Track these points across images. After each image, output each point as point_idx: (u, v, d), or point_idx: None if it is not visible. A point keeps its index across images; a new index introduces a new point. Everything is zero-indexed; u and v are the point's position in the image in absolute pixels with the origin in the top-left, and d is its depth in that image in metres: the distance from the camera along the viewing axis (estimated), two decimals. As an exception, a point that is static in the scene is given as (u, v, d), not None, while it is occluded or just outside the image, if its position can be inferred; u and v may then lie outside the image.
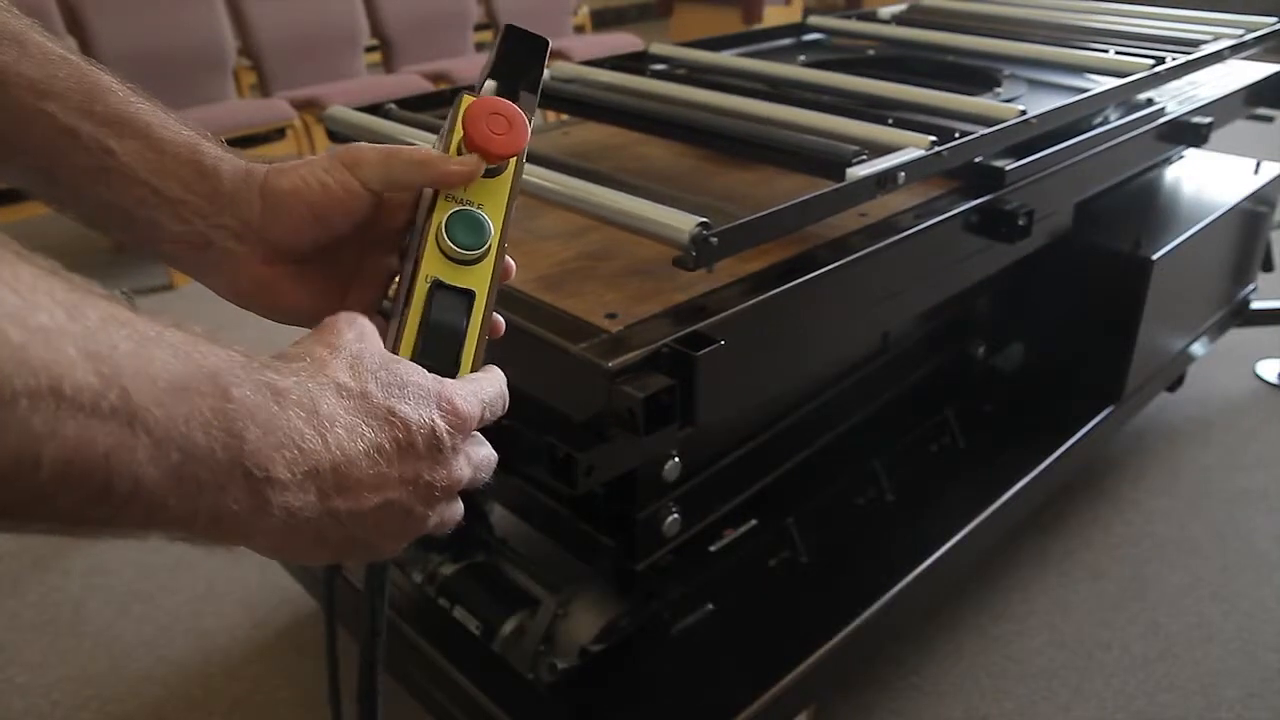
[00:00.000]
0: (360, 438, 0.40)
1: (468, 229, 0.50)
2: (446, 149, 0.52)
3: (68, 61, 0.49)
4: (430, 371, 0.45)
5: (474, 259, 0.50)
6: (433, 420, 0.42)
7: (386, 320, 0.50)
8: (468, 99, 0.51)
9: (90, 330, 0.31)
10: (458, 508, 0.46)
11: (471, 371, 0.49)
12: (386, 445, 0.40)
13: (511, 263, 0.55)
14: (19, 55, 0.48)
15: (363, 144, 0.51)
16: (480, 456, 0.46)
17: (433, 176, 0.50)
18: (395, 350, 0.48)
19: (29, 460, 0.29)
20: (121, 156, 0.49)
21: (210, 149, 0.51)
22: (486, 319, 0.50)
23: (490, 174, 0.52)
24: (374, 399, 0.41)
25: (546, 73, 0.64)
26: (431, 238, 0.50)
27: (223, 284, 0.53)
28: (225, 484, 0.35)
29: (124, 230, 0.51)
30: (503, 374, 0.49)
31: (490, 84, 0.54)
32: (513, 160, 0.52)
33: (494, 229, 0.51)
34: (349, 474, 0.39)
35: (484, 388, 0.47)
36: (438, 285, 0.49)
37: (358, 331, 0.44)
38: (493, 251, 0.51)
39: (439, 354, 0.48)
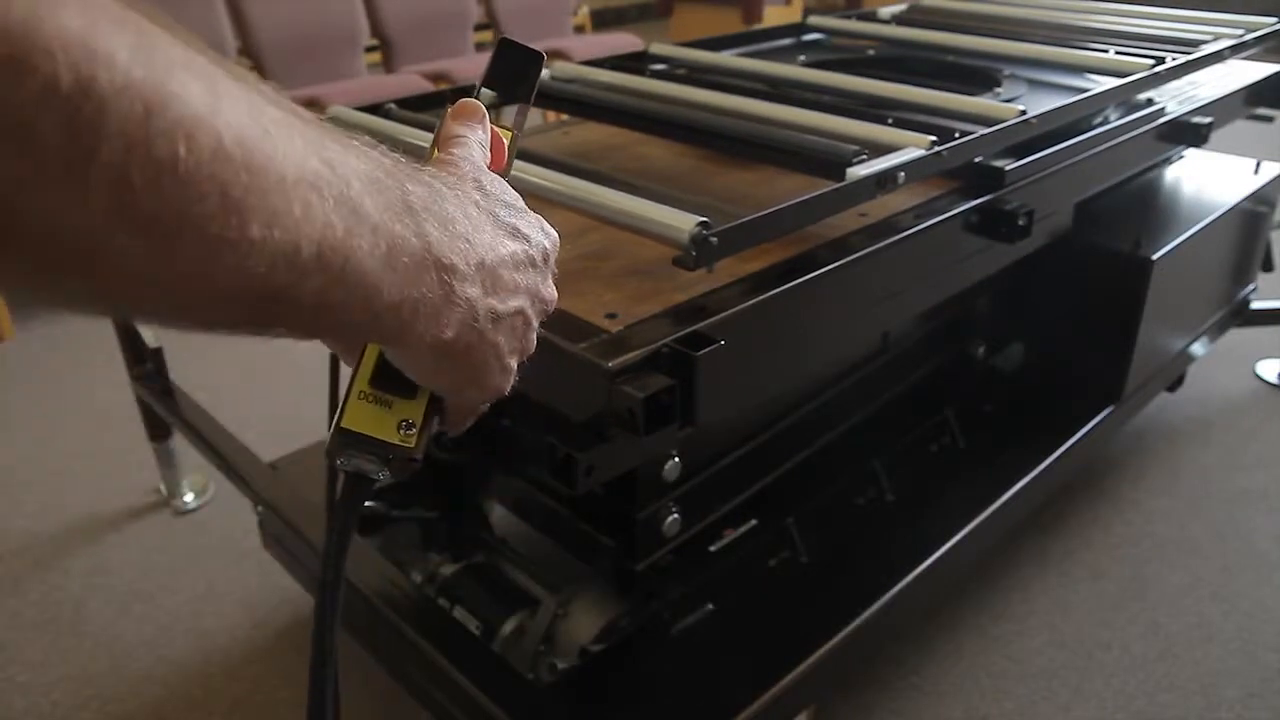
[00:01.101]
0: (502, 244, 0.43)
1: None
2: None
3: None
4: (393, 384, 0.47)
5: None
6: (544, 241, 0.47)
7: None
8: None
9: (308, 134, 0.34)
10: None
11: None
12: (520, 254, 0.44)
13: None
14: None
15: None
16: None
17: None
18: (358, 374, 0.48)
19: (291, 248, 0.32)
20: None
21: None
22: None
23: None
24: (501, 217, 0.44)
25: (546, 72, 0.64)
26: None
27: None
28: (421, 272, 0.38)
29: None
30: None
31: (486, 94, 0.54)
32: None
33: None
34: (499, 273, 0.42)
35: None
36: None
37: (473, 163, 0.46)
38: None
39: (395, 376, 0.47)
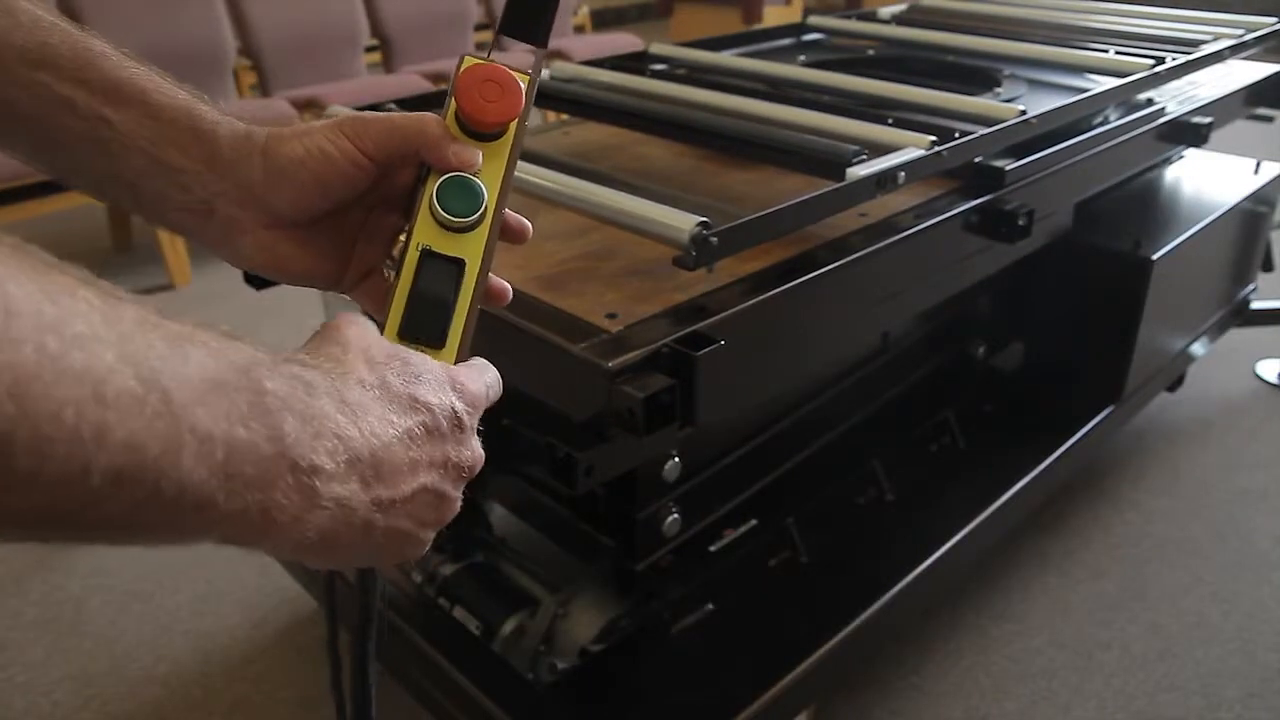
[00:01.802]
0: (391, 425, 0.40)
1: (460, 196, 0.49)
2: (445, 117, 0.51)
3: (58, 28, 0.48)
4: (417, 340, 0.46)
5: (467, 226, 0.49)
6: (452, 402, 0.43)
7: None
8: (468, 61, 0.51)
9: (126, 335, 0.31)
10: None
11: (461, 341, 0.49)
12: (416, 429, 0.41)
13: (526, 223, 0.54)
14: (9, 24, 0.47)
15: (366, 114, 0.51)
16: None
17: (432, 158, 0.50)
18: (385, 318, 0.48)
19: (78, 470, 0.29)
20: (118, 125, 0.48)
21: (207, 112, 0.50)
22: (479, 287, 0.49)
23: (488, 139, 0.51)
24: (394, 388, 0.41)
25: (546, 72, 0.64)
26: (425, 204, 0.49)
27: (228, 251, 0.52)
28: (273, 478, 0.35)
29: (131, 201, 0.51)
30: (493, 366, 0.50)
31: (501, 45, 0.54)
32: (512, 125, 0.52)
33: (489, 196, 0.50)
34: (386, 460, 0.39)
35: (484, 371, 0.48)
36: (427, 254, 0.49)
37: (359, 329, 0.44)
38: (488, 218, 0.50)
39: (426, 323, 0.48)
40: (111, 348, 0.30)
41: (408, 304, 0.48)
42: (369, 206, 0.54)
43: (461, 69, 0.50)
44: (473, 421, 0.45)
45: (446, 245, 0.49)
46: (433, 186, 0.49)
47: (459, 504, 0.45)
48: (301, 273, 0.53)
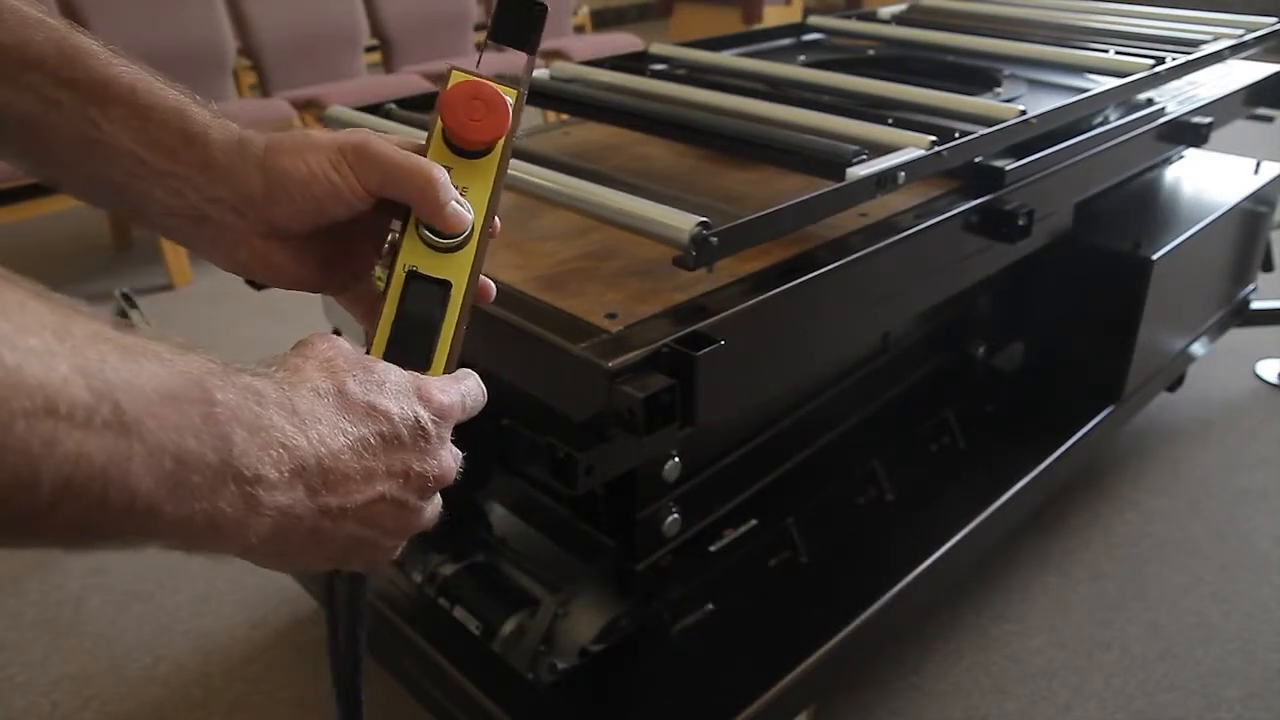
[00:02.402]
0: (342, 433, 0.40)
1: None
2: (431, 135, 0.51)
3: (45, 25, 0.47)
4: (404, 363, 0.45)
5: (453, 247, 0.49)
6: (415, 411, 0.43)
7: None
8: (455, 76, 0.50)
9: (79, 347, 0.31)
10: (437, 502, 0.46)
11: (448, 361, 0.49)
12: (370, 438, 0.41)
13: (490, 284, 0.53)
14: None
15: (369, 140, 0.49)
16: (454, 452, 0.46)
17: (425, 212, 0.49)
18: (371, 340, 0.48)
19: (28, 479, 0.30)
20: (105, 126, 0.48)
21: (198, 113, 0.49)
22: (465, 308, 0.49)
23: (475, 156, 0.51)
24: (352, 395, 0.41)
25: (545, 72, 0.64)
26: (412, 225, 0.49)
27: (220, 256, 0.52)
28: (218, 487, 0.35)
29: (118, 203, 0.50)
30: (476, 375, 0.49)
31: (490, 53, 0.54)
32: (499, 143, 0.51)
33: (475, 216, 0.50)
34: (334, 469, 0.39)
35: (462, 381, 0.47)
36: (413, 275, 0.49)
37: (330, 343, 0.44)
38: (475, 238, 0.50)
39: (412, 345, 0.48)
40: (65, 360, 0.31)
41: (394, 327, 0.48)
42: (363, 218, 0.53)
43: (449, 85, 0.50)
44: (441, 432, 0.44)
45: (433, 266, 0.49)
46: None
47: (427, 514, 0.45)
48: (293, 278, 0.53)
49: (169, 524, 0.34)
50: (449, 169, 0.50)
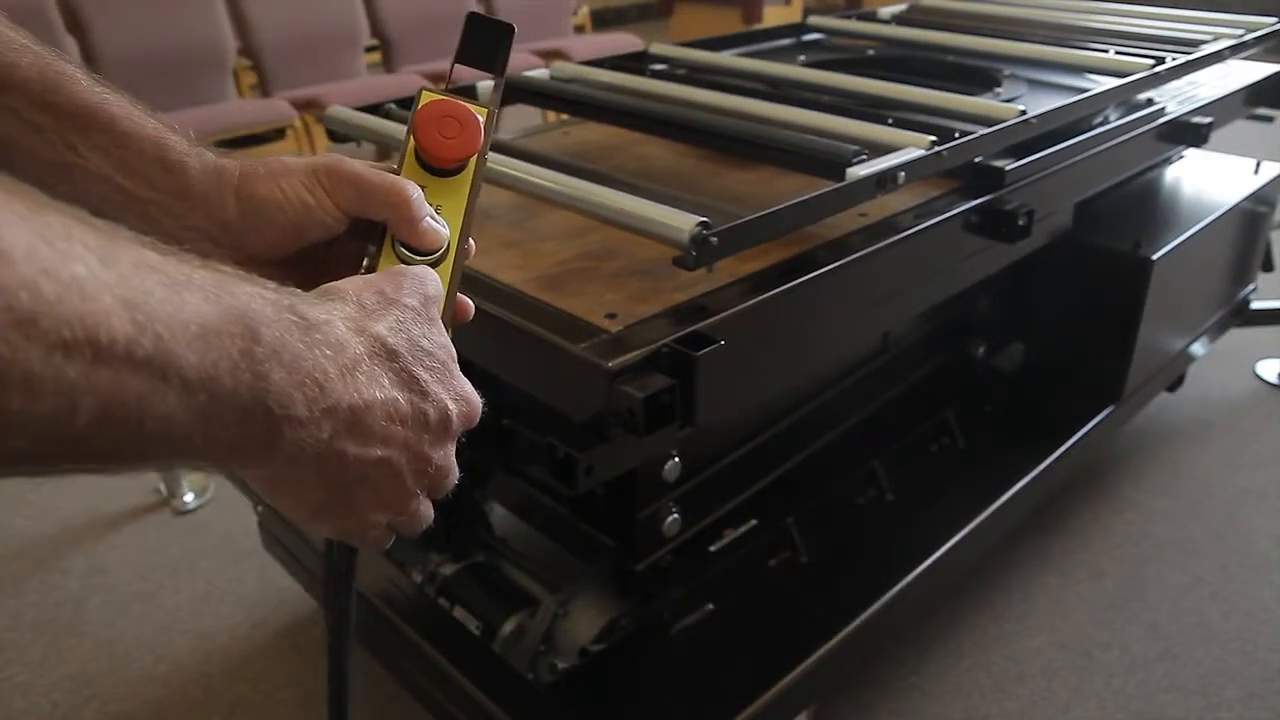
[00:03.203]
0: (380, 388, 0.40)
1: None
2: (404, 153, 0.51)
3: (29, 50, 0.48)
4: None
5: (429, 264, 0.49)
6: (448, 400, 0.43)
7: None
8: (426, 96, 0.50)
9: (124, 277, 0.31)
10: (429, 508, 0.47)
11: None
12: (403, 404, 0.41)
13: (469, 304, 0.53)
14: None
15: (342, 163, 0.50)
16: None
17: (400, 229, 0.49)
18: None
19: (66, 410, 0.30)
20: (84, 152, 0.48)
21: (176, 143, 0.50)
22: (444, 325, 0.49)
23: (448, 174, 0.51)
24: (403, 359, 0.42)
25: (545, 72, 0.64)
26: (388, 244, 0.49)
27: None
28: (246, 421, 0.36)
29: None
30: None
31: (459, 74, 0.54)
32: (471, 160, 0.52)
33: (450, 232, 0.50)
34: (363, 419, 0.40)
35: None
36: None
37: (421, 297, 0.44)
38: (451, 254, 0.50)
39: None
40: (109, 290, 0.31)
41: None
42: (336, 240, 0.53)
43: (420, 104, 0.50)
44: (458, 428, 0.45)
45: None
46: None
47: (415, 504, 0.45)
48: None
49: (197, 449, 0.35)
50: (423, 188, 0.50)
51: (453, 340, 0.47)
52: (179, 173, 0.49)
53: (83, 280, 0.30)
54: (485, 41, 0.53)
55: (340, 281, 0.43)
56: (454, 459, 0.45)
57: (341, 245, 0.53)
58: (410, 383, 0.42)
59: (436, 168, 0.51)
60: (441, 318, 0.49)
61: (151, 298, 0.32)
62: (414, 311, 0.44)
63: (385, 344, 0.41)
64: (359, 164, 0.50)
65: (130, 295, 0.31)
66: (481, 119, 0.51)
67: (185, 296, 0.34)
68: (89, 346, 0.30)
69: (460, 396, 0.44)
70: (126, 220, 0.49)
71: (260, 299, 0.37)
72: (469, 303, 0.53)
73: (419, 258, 0.49)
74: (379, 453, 0.41)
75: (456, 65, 0.54)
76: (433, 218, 0.50)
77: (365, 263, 0.51)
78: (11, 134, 0.47)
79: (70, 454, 0.32)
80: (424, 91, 0.51)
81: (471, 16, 0.54)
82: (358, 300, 0.42)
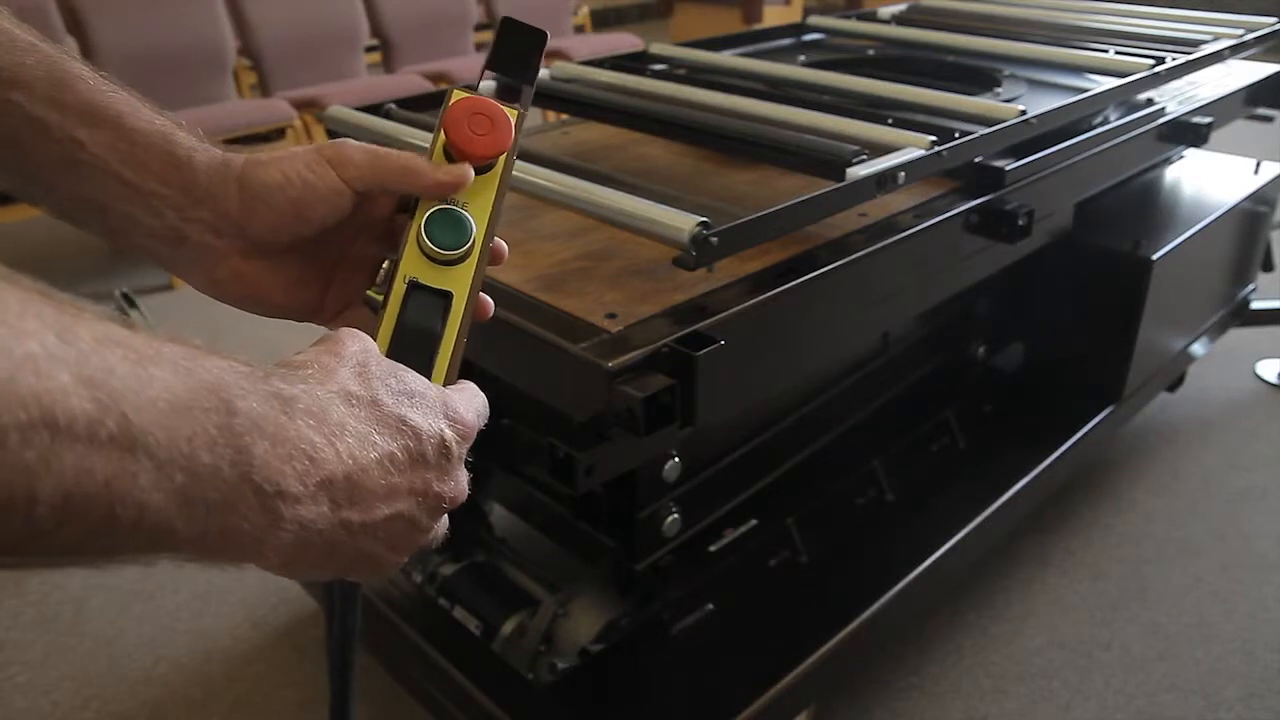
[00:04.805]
0: (372, 446, 0.39)
1: (448, 229, 0.49)
2: (433, 149, 0.51)
3: (35, 49, 0.47)
4: None
5: (454, 259, 0.49)
6: (442, 430, 0.42)
7: (372, 311, 0.50)
8: (457, 94, 0.50)
9: (84, 354, 0.29)
10: (445, 523, 0.46)
11: (447, 374, 0.48)
12: (398, 454, 0.40)
13: (504, 245, 0.53)
14: None
15: (348, 142, 0.50)
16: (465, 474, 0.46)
17: (419, 186, 0.49)
18: None
19: (23, 496, 0.28)
20: (91, 148, 0.48)
21: (184, 139, 0.50)
22: (466, 320, 0.49)
23: (477, 172, 0.51)
24: (385, 407, 0.40)
25: (546, 72, 0.64)
26: (413, 236, 0.49)
27: (199, 278, 0.52)
28: (235, 502, 0.34)
29: (98, 224, 0.50)
30: (475, 386, 0.49)
31: (488, 79, 0.53)
32: (501, 158, 0.51)
33: (477, 228, 0.50)
34: (362, 483, 0.38)
35: (474, 398, 0.47)
36: (414, 286, 0.48)
37: (361, 344, 0.43)
38: (476, 251, 0.50)
39: (413, 356, 0.47)
40: (67, 368, 0.29)
41: (394, 337, 0.48)
42: (347, 237, 0.53)
43: (451, 101, 0.50)
44: (461, 451, 0.43)
45: (434, 278, 0.49)
46: (421, 218, 0.49)
47: (434, 535, 0.44)
48: (277, 304, 0.52)
49: (183, 540, 0.33)
50: None
51: None
52: (186, 167, 0.49)
53: (38, 357, 0.28)
54: (518, 47, 0.53)
55: (290, 358, 0.41)
56: (463, 478, 0.44)
57: (355, 250, 0.53)
58: (400, 428, 0.40)
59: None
60: (463, 314, 0.49)
61: (114, 375, 0.30)
62: (363, 356, 0.42)
63: (362, 397, 0.39)
64: (364, 144, 0.50)
65: (91, 373, 0.29)
66: (512, 118, 0.51)
67: (152, 371, 0.31)
68: (45, 428, 0.28)
69: (453, 418, 0.43)
70: (135, 214, 0.49)
71: (233, 371, 0.35)
72: (489, 302, 0.53)
73: (444, 252, 0.48)
74: (386, 511, 0.40)
75: (486, 71, 0.53)
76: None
77: (384, 268, 0.50)
78: (19, 131, 0.47)
79: (35, 547, 0.29)
80: (455, 90, 0.50)
81: (506, 21, 0.53)
82: (318, 364, 0.40)
